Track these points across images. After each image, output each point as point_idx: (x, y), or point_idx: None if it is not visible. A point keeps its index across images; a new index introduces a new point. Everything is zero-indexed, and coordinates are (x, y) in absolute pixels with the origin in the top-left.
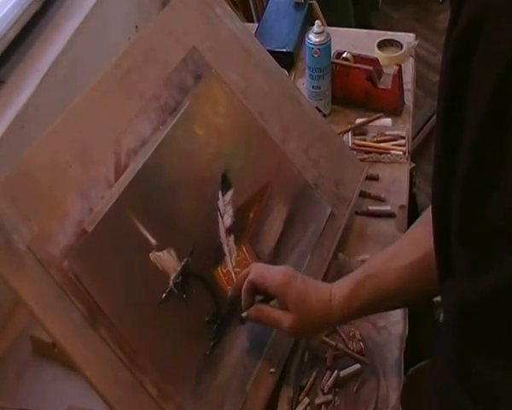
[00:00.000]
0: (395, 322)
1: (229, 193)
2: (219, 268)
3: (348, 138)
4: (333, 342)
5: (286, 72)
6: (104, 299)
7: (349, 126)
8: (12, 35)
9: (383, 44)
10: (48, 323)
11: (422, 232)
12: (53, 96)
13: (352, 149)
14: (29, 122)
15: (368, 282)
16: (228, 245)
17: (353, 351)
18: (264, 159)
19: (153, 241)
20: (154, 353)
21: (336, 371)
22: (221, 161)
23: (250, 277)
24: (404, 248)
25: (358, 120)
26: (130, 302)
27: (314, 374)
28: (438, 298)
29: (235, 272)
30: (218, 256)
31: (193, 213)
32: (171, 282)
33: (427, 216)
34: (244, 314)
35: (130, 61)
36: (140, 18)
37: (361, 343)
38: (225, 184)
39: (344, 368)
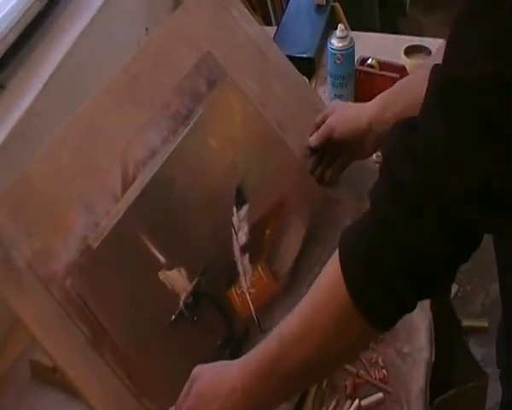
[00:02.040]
0: (420, 348)
1: (245, 208)
2: (233, 289)
3: None
4: (354, 369)
5: (306, 79)
6: (109, 320)
7: None
8: (13, 37)
9: (411, 50)
10: (48, 345)
11: None
12: (56, 103)
13: (376, 162)
14: (30, 130)
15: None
16: (242, 264)
17: (375, 379)
18: (281, 171)
19: (162, 259)
20: (162, 378)
21: (357, 401)
22: (236, 174)
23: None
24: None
25: None
26: (138, 324)
27: (334, 403)
28: (467, 323)
29: (250, 294)
30: (232, 276)
31: (205, 230)
32: (181, 303)
33: None
34: None
35: (140, 67)
36: (150, 20)
37: (384, 371)
38: (240, 199)
39: (365, 397)
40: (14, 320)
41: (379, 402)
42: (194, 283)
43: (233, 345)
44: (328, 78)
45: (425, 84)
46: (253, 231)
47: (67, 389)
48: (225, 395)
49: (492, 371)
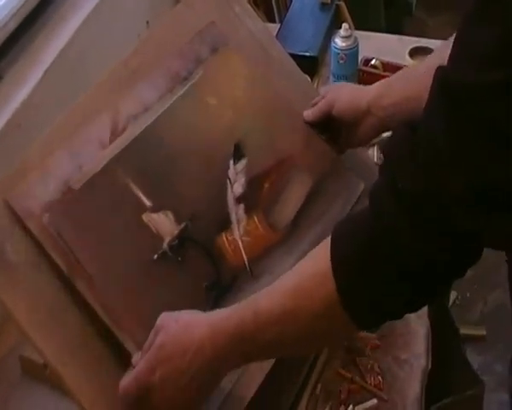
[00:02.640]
0: (418, 355)
1: (242, 162)
2: (224, 235)
3: (374, 153)
4: (349, 375)
5: (308, 78)
6: (86, 254)
7: (374, 141)
8: (12, 26)
9: (415, 52)
10: (39, 341)
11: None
12: (54, 94)
13: (378, 164)
14: (27, 121)
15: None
16: (236, 214)
17: (371, 385)
18: (288, 133)
19: (147, 202)
20: (141, 313)
21: (351, 406)
22: (235, 132)
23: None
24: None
25: (385, 134)
26: (117, 261)
27: (327, 409)
28: (465, 331)
29: (243, 241)
30: (224, 224)
31: (196, 179)
32: (164, 244)
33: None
34: None
35: (140, 60)
36: (151, 13)
37: (379, 377)
38: (238, 154)
39: (360, 403)
40: (4, 316)
41: (373, 409)
42: (181, 227)
43: (219, 290)
44: (331, 77)
45: (423, 80)
46: (251, 184)
47: (58, 386)
48: (193, 351)
49: (489, 380)
